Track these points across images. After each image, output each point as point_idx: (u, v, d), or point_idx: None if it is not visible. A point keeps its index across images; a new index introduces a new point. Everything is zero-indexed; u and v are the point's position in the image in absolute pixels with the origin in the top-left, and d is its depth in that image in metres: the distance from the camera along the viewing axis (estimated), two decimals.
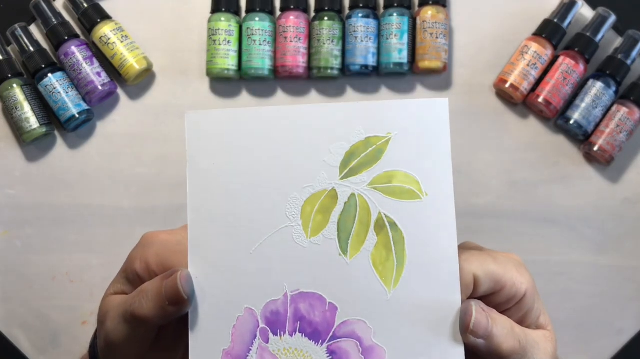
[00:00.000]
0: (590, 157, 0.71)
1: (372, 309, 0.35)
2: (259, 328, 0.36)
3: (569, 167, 0.71)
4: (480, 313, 0.35)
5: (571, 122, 0.69)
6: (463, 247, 0.39)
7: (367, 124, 0.36)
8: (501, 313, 0.38)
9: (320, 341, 0.36)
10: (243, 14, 0.71)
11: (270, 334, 0.36)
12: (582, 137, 0.70)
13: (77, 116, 0.69)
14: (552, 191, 0.71)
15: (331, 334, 0.36)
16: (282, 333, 0.36)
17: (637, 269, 0.71)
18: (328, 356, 0.35)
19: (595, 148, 0.69)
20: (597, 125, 0.69)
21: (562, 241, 0.71)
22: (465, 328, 0.35)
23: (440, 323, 0.35)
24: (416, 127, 0.35)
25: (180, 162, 0.71)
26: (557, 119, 0.71)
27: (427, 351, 0.35)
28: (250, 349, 0.36)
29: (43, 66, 0.69)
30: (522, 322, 0.39)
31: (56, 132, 0.72)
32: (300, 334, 0.36)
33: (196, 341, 0.36)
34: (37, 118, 0.69)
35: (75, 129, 0.71)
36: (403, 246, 0.35)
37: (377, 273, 0.35)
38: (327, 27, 0.69)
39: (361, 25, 0.69)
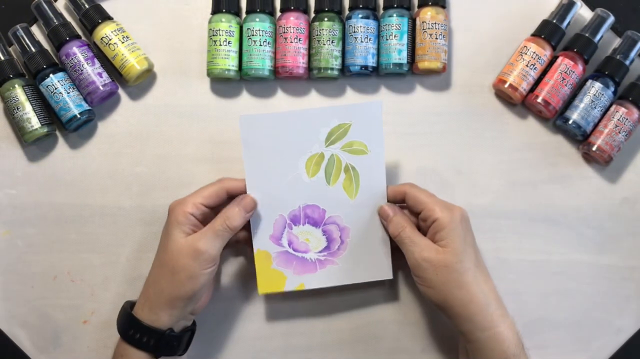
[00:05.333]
0: (589, 157, 0.71)
1: (343, 209, 0.66)
2: (286, 223, 0.66)
3: (568, 167, 0.72)
4: (389, 207, 0.65)
5: (570, 122, 0.69)
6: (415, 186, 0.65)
7: (339, 117, 0.65)
8: (426, 226, 0.63)
9: (318, 226, 0.66)
10: (243, 15, 0.72)
11: (293, 225, 0.66)
12: (580, 138, 0.71)
13: (79, 116, 0.69)
14: (551, 191, 0.71)
15: (323, 222, 0.66)
16: (298, 224, 0.66)
17: (636, 269, 0.71)
18: (323, 233, 0.66)
19: (594, 148, 0.69)
20: (596, 125, 0.70)
21: (561, 240, 0.71)
22: (380, 212, 0.65)
23: (375, 213, 0.66)
24: (364, 117, 0.65)
25: (179, 161, 0.72)
26: (555, 119, 0.71)
27: (369, 225, 0.66)
28: (283, 233, 0.66)
29: (44, 67, 0.69)
30: (432, 237, 0.62)
31: (57, 133, 0.72)
32: (308, 224, 0.66)
33: (255, 231, 0.66)
34: (39, 118, 0.69)
35: (76, 129, 0.71)
36: (358, 178, 0.66)
37: (345, 192, 0.66)
38: (327, 28, 0.69)
39: (361, 25, 0.69)
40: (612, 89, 0.69)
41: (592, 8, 0.72)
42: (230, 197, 0.65)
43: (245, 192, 0.65)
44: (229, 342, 0.71)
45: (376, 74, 0.72)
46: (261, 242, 0.66)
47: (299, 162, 0.65)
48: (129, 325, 0.61)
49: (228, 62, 0.69)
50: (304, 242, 0.66)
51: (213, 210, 0.64)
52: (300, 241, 0.66)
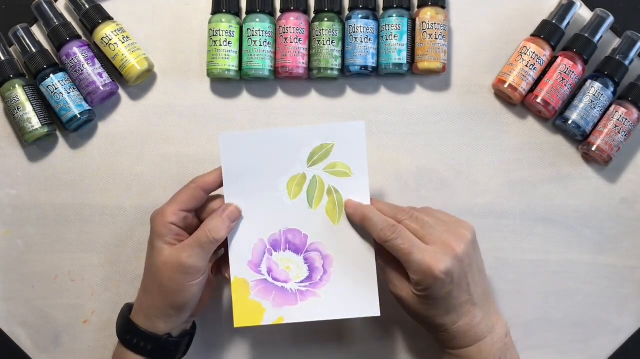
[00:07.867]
0: (589, 158, 0.71)
1: (326, 235, 0.62)
2: (266, 248, 0.62)
3: (568, 167, 0.72)
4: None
5: (569, 122, 0.69)
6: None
7: (321, 137, 0.62)
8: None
9: (299, 253, 0.62)
10: (243, 15, 0.72)
11: (273, 251, 0.62)
12: (580, 138, 0.71)
13: (79, 116, 0.69)
14: (550, 190, 0.71)
15: (305, 249, 0.62)
16: (279, 250, 0.62)
17: (635, 269, 0.71)
18: (304, 261, 0.62)
19: (594, 148, 0.69)
20: (595, 125, 0.70)
21: (560, 240, 0.71)
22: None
23: (360, 241, 0.62)
24: (347, 137, 0.62)
25: (180, 162, 0.72)
26: (555, 119, 0.71)
27: (354, 254, 0.62)
28: (262, 260, 0.62)
29: (45, 67, 0.69)
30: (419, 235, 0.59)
31: (58, 133, 0.72)
32: (289, 250, 0.62)
33: (233, 257, 0.62)
34: (39, 118, 0.69)
35: (76, 129, 0.72)
36: (342, 202, 0.63)
37: (328, 217, 0.62)
38: (327, 28, 0.69)
39: (361, 26, 0.69)
40: (612, 89, 0.69)
41: (592, 8, 0.72)
42: (208, 193, 0.62)
43: (221, 184, 0.62)
44: (229, 342, 0.71)
45: (376, 74, 0.72)
46: (239, 270, 0.62)
47: (280, 182, 0.62)
48: (127, 330, 0.61)
49: (228, 63, 0.69)
50: (284, 270, 0.62)
51: (194, 213, 0.63)
52: (280, 269, 0.62)
